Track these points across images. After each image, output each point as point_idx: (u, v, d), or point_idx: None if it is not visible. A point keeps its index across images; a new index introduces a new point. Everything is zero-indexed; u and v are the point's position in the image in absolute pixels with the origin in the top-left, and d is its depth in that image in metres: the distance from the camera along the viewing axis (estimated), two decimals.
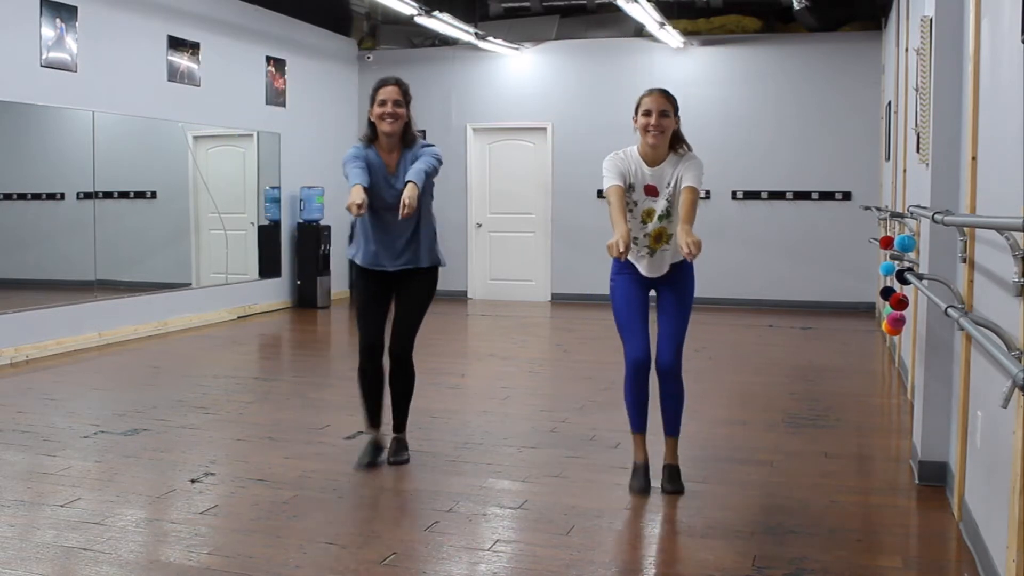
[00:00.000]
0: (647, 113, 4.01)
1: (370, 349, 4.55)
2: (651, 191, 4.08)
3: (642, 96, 4.08)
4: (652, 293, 4.22)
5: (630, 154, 4.09)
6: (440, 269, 4.61)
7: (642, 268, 4.12)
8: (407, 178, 4.21)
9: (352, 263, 4.58)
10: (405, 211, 4.08)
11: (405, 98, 4.42)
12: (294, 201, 10.90)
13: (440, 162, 4.40)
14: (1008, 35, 3.02)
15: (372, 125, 4.42)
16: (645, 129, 4.01)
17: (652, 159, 4.06)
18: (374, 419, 4.65)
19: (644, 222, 4.08)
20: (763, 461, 4.67)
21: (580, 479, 4.38)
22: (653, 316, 4.15)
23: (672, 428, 4.19)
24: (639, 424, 4.19)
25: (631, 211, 4.06)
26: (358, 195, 4.10)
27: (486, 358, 7.58)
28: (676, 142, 4.11)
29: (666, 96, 4.05)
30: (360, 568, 3.30)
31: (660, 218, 4.07)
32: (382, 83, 4.47)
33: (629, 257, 4.04)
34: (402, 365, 4.58)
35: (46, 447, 4.90)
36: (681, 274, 4.16)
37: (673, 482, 4.16)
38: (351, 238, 4.61)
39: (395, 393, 4.64)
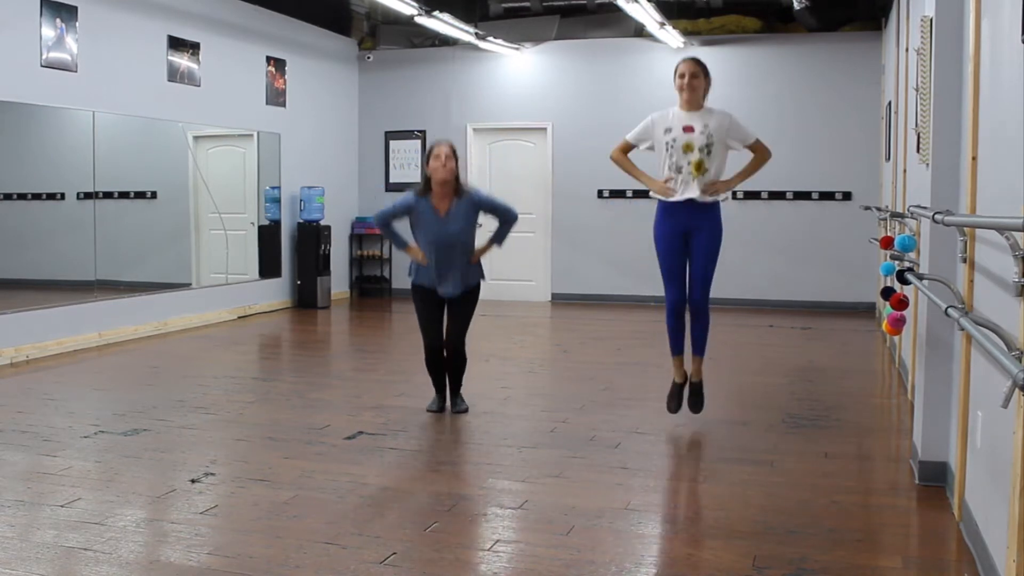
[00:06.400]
0: (682, 75, 5.03)
1: (432, 349, 5.67)
2: (688, 129, 5.00)
3: (679, 63, 5.10)
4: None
5: (670, 109, 5.09)
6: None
7: (688, 192, 4.99)
8: (493, 241, 5.73)
9: (414, 286, 5.65)
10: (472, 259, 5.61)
11: (455, 155, 5.48)
12: (294, 201, 10.90)
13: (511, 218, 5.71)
14: (1008, 35, 3.02)
15: (427, 179, 5.46)
16: (681, 88, 5.02)
17: (688, 109, 5.03)
18: (440, 389, 5.81)
19: (686, 153, 4.99)
20: (763, 461, 4.67)
21: (580, 479, 4.38)
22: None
23: (699, 350, 5.23)
24: (677, 348, 5.25)
25: (672, 146, 5.00)
26: (416, 253, 5.54)
27: (486, 358, 7.57)
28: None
29: (697, 63, 5.08)
30: (360, 568, 3.30)
31: (700, 151, 4.99)
32: (436, 143, 5.53)
33: (678, 183, 5.00)
34: (457, 356, 5.70)
35: (46, 447, 4.90)
36: (711, 219, 5.07)
37: (696, 396, 5.29)
38: (410, 268, 5.71)
39: (451, 374, 5.77)
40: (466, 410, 5.71)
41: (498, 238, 5.77)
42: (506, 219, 5.69)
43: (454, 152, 5.48)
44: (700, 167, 4.96)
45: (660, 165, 5.08)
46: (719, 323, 9.54)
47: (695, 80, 4.99)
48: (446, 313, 5.66)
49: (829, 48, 10.72)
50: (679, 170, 4.99)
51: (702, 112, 5.01)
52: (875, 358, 7.80)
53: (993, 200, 3.32)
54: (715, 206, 5.07)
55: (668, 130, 5.01)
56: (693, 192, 4.97)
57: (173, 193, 9.77)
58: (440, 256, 5.48)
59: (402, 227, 5.60)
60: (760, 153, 5.12)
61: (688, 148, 4.97)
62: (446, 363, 5.70)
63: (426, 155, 5.50)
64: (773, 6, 10.66)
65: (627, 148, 5.22)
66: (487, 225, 5.80)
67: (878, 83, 10.17)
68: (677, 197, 5.00)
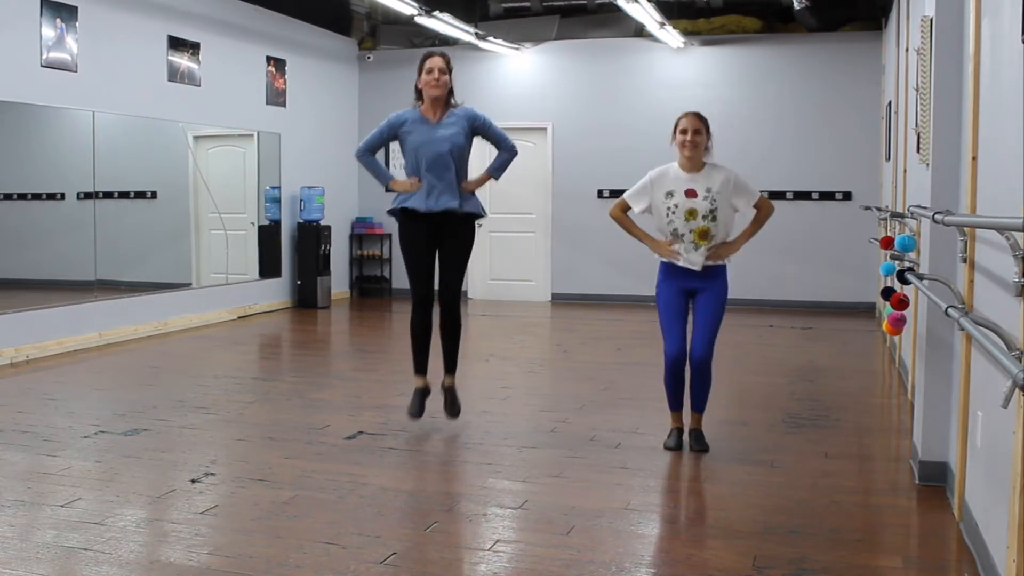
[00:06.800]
0: (684, 131, 4.68)
1: (422, 303, 5.14)
2: (691, 193, 4.68)
3: (679, 118, 4.74)
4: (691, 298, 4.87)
5: (669, 168, 4.76)
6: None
7: (691, 259, 4.69)
8: (490, 172, 5.23)
9: (400, 215, 5.06)
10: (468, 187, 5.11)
11: (449, 68, 5.02)
12: (294, 201, 10.90)
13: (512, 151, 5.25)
14: (1008, 35, 3.02)
15: (419, 91, 5.03)
16: (682, 145, 4.68)
17: (689, 168, 4.71)
18: (421, 367, 5.23)
19: (688, 220, 4.67)
20: (763, 461, 4.67)
21: (580, 479, 4.39)
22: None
23: (699, 407, 4.86)
24: (676, 405, 4.90)
25: (673, 212, 4.68)
26: (402, 184, 5.01)
27: (486, 358, 7.58)
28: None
29: (699, 118, 4.73)
30: (360, 568, 3.30)
31: (704, 218, 4.66)
32: (429, 54, 5.05)
33: (680, 250, 4.70)
34: (451, 312, 5.15)
35: (46, 447, 4.90)
36: (717, 281, 4.78)
37: (699, 442, 4.84)
38: (395, 200, 5.11)
39: (446, 339, 5.20)
40: (458, 414, 5.26)
41: (495, 170, 5.23)
42: (504, 147, 5.19)
43: (448, 65, 4.98)
44: (704, 235, 4.66)
45: (660, 229, 4.76)
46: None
47: (697, 136, 4.64)
48: (438, 259, 5.10)
49: (829, 48, 10.72)
50: (680, 237, 4.68)
51: (704, 172, 4.68)
52: (875, 358, 7.81)
53: (993, 200, 3.32)
54: (722, 267, 4.79)
55: (669, 194, 4.68)
56: (697, 261, 4.67)
57: (173, 193, 9.77)
58: (430, 167, 4.95)
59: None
60: (764, 210, 4.82)
61: (691, 215, 4.64)
62: (441, 325, 5.13)
63: (418, 67, 5.01)
64: (773, 6, 10.67)
65: (626, 207, 4.85)
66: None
67: (878, 83, 10.18)
68: (681, 264, 4.70)
